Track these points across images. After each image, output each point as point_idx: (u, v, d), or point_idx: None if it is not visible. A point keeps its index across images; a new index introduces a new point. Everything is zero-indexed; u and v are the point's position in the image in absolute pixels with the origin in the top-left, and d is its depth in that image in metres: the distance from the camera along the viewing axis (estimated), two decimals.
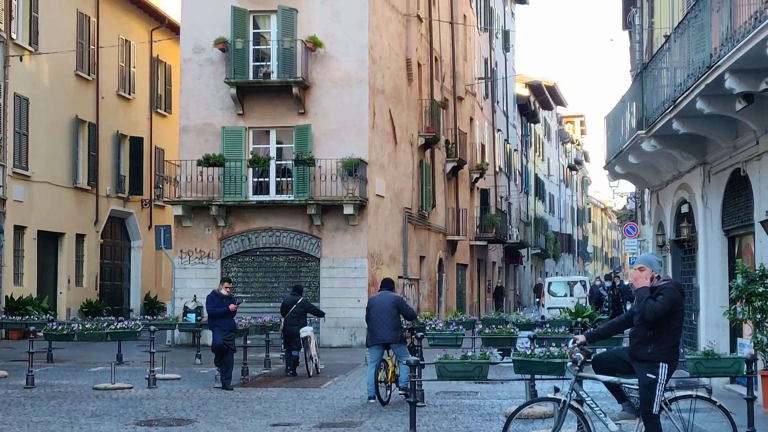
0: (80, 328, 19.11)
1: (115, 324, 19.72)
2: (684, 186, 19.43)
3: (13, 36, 28.73)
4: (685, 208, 19.91)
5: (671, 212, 20.87)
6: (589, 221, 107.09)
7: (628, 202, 45.77)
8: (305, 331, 19.83)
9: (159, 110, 39.67)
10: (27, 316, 24.82)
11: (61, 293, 32.16)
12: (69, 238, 32.48)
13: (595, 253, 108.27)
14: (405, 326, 16.42)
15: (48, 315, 25.48)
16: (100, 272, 34.95)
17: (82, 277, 33.58)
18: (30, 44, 29.75)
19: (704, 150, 17.52)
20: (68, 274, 32.49)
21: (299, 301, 20.35)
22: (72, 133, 32.63)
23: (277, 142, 28.75)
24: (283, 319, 20.43)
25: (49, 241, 31.51)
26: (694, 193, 18.59)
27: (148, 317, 26.64)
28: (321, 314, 21.70)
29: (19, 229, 29.48)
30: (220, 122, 28.57)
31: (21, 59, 29.23)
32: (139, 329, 19.86)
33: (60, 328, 19.16)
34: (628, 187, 34.02)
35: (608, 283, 39.30)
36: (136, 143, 37.17)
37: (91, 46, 33.96)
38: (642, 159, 19.84)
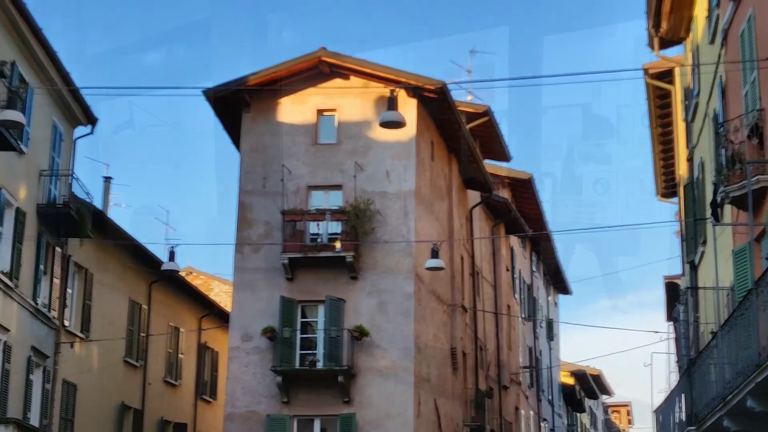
0: None
1: None
2: None
3: (66, 323, 29.35)
4: None
5: None
6: None
7: None
8: None
9: (204, 396, 39.76)
10: None
11: None
12: None
13: None
14: None
15: None
16: None
17: None
18: (81, 331, 30.31)
19: None
20: None
21: None
22: (117, 420, 32.66)
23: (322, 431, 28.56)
24: None
25: None
26: None
27: None
28: None
29: None
30: (264, 410, 28.50)
31: (72, 346, 29.72)
32: None
33: None
34: None
35: None
36: (180, 430, 37.06)
37: (141, 334, 34.53)
38: None
